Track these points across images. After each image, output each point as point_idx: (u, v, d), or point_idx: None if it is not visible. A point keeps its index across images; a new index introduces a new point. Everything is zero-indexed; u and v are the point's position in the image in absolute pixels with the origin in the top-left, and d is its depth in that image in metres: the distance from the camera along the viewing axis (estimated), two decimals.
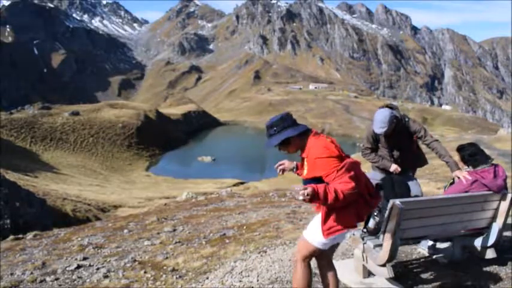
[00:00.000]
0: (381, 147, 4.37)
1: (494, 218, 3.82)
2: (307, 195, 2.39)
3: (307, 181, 2.68)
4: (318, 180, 2.62)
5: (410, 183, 4.08)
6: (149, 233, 7.11)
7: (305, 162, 2.78)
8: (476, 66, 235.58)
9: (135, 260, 5.22)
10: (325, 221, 2.70)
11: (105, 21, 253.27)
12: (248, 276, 4.17)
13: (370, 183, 2.86)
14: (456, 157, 4.01)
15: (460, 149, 3.96)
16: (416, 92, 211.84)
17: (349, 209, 2.67)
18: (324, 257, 2.92)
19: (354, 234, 3.83)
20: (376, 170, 4.43)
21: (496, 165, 3.82)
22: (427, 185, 15.47)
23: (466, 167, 3.90)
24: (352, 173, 2.60)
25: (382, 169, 4.32)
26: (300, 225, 6.69)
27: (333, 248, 2.94)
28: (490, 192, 3.70)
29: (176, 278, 4.44)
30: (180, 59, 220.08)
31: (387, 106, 4.20)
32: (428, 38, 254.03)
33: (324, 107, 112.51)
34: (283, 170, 3.04)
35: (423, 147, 4.42)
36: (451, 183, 4.04)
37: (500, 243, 3.96)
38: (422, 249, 4.39)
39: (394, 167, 4.22)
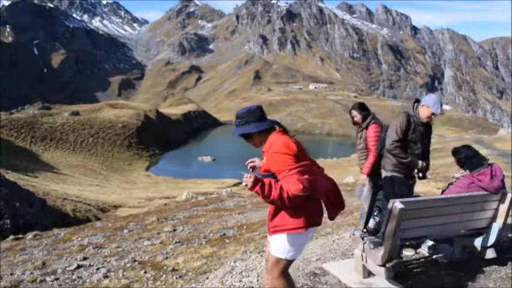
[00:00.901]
0: (409, 141, 4.05)
1: (494, 218, 3.82)
2: (251, 182, 2.41)
3: (263, 175, 2.60)
4: (274, 176, 2.56)
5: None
6: (149, 233, 7.12)
7: (264, 157, 2.71)
8: (476, 66, 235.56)
9: (135, 260, 5.22)
10: (271, 218, 2.66)
11: (105, 21, 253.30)
12: (248, 276, 4.17)
13: (334, 191, 2.75)
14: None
15: (456, 152, 3.94)
16: (416, 92, 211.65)
17: (299, 210, 2.57)
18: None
19: (353, 234, 3.83)
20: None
21: (491, 165, 3.81)
22: (427, 185, 15.46)
23: (463, 170, 3.89)
24: (306, 176, 2.49)
25: (395, 168, 4.02)
26: None
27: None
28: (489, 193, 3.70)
29: (176, 278, 4.44)
30: (180, 59, 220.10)
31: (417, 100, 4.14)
32: (428, 38, 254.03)
33: (324, 107, 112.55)
34: (254, 167, 2.98)
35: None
36: (449, 185, 4.04)
37: (500, 243, 3.96)
38: (422, 249, 4.39)
39: (421, 164, 4.00)
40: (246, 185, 2.44)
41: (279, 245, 2.64)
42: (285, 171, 2.49)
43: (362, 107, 4.74)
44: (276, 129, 2.71)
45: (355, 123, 4.85)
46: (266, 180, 2.47)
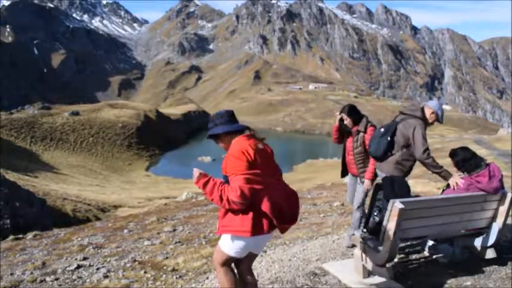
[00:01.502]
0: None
1: (494, 218, 3.82)
2: (196, 177, 2.67)
3: (224, 177, 2.71)
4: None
5: None
6: (149, 233, 7.11)
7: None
8: (476, 66, 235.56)
9: (135, 260, 5.22)
10: (222, 217, 2.76)
11: (105, 21, 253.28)
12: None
13: (287, 207, 2.73)
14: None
15: (453, 154, 3.94)
16: (416, 92, 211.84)
17: (247, 216, 2.64)
18: (241, 264, 2.93)
19: (353, 234, 3.83)
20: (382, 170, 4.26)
21: (489, 166, 3.80)
22: (427, 185, 15.45)
23: (461, 172, 3.89)
24: (250, 185, 2.54)
25: (396, 171, 4.01)
26: (300, 225, 6.69)
27: (250, 256, 2.91)
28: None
29: (176, 278, 4.44)
30: (180, 59, 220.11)
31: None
32: (428, 38, 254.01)
33: (324, 107, 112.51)
34: None
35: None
36: (448, 186, 4.04)
37: (500, 243, 3.96)
38: (422, 249, 4.39)
39: (454, 181, 3.84)
40: (194, 180, 2.69)
41: (225, 242, 2.78)
42: (233, 175, 2.58)
43: (352, 110, 4.57)
44: (245, 133, 2.77)
45: (343, 126, 4.64)
46: (214, 180, 2.63)
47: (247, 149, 2.64)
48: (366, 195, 4.59)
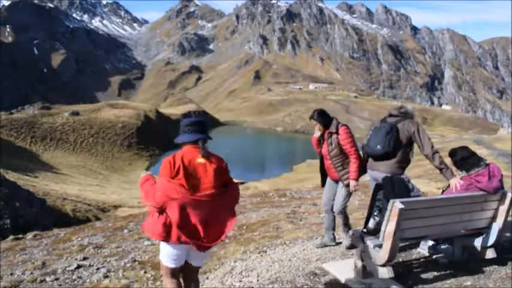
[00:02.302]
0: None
1: (494, 218, 3.81)
2: (142, 177, 2.95)
3: None
4: None
5: None
6: None
7: None
8: (476, 66, 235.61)
9: (135, 260, 5.22)
10: (147, 216, 2.88)
11: (105, 21, 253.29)
12: (248, 276, 4.17)
13: (201, 225, 2.71)
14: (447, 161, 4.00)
15: (452, 153, 3.95)
16: (416, 92, 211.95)
17: (160, 219, 2.71)
18: (185, 273, 2.98)
19: (353, 234, 3.83)
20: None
21: (489, 165, 3.80)
22: (427, 185, 15.46)
23: (460, 172, 3.89)
24: (166, 192, 2.67)
25: (395, 170, 4.07)
26: (300, 225, 6.69)
27: (190, 268, 2.95)
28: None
29: None
30: (180, 59, 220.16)
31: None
32: (428, 38, 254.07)
33: (324, 107, 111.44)
34: None
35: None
36: (448, 187, 4.03)
37: (500, 243, 3.96)
38: (422, 249, 4.39)
39: (454, 182, 3.88)
40: None
41: (160, 249, 2.90)
42: (159, 178, 2.77)
43: (321, 114, 4.46)
44: (192, 144, 2.84)
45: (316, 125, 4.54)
46: (152, 181, 2.86)
47: (176, 159, 2.77)
48: (347, 199, 4.49)
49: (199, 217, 2.70)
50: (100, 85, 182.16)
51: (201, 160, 2.77)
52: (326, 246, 4.78)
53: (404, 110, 4.28)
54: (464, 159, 3.83)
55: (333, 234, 4.81)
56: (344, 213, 4.57)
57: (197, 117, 3.16)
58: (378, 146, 4.11)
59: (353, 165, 4.32)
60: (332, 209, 4.63)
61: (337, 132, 4.36)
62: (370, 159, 4.30)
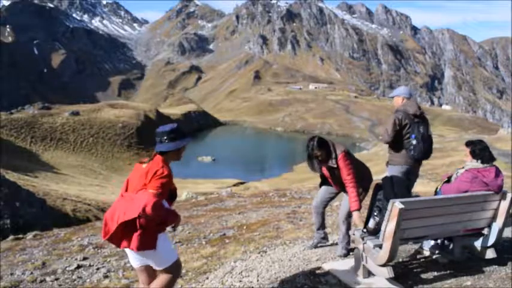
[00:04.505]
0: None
1: (494, 218, 3.82)
2: None
3: None
4: None
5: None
6: None
7: None
8: (476, 66, 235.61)
9: None
10: None
11: (105, 21, 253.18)
12: (248, 276, 4.17)
13: (109, 222, 2.85)
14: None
15: (471, 143, 3.99)
16: (416, 92, 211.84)
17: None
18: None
19: (353, 234, 3.83)
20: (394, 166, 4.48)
21: (496, 166, 3.86)
22: (427, 185, 15.47)
23: (475, 160, 3.90)
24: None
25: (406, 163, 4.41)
26: (300, 225, 6.69)
27: (148, 270, 3.04)
28: (490, 192, 3.72)
29: None
30: (180, 59, 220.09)
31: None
32: (428, 38, 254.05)
33: (324, 107, 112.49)
34: None
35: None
36: (446, 182, 4.05)
37: (500, 243, 3.96)
38: (422, 249, 4.39)
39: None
40: None
41: None
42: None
43: (322, 143, 4.06)
44: (159, 155, 2.93)
45: (315, 157, 4.16)
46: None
47: (136, 167, 3.00)
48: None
49: (108, 214, 2.91)
50: (100, 85, 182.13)
51: (144, 165, 2.94)
52: (317, 247, 4.70)
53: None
54: (483, 150, 3.87)
55: (324, 232, 4.71)
56: (348, 222, 4.35)
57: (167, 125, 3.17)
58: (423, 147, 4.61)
59: (352, 195, 3.99)
60: (322, 209, 4.51)
61: (337, 166, 4.07)
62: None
